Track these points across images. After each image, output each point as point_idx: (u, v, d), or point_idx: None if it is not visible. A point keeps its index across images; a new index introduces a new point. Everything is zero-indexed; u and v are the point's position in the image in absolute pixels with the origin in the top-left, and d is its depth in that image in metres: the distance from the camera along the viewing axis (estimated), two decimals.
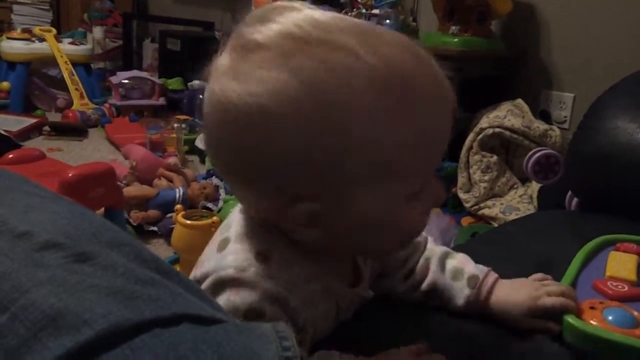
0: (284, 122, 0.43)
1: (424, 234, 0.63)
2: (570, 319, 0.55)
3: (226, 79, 0.46)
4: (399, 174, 0.46)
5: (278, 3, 0.47)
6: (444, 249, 0.64)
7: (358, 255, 0.58)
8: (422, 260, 0.63)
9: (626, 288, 0.61)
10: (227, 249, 0.50)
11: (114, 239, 0.40)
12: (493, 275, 0.61)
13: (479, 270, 0.61)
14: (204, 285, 0.49)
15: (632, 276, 0.64)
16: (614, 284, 0.61)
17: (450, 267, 0.62)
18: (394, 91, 0.44)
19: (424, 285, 0.62)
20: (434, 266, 0.62)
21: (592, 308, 0.56)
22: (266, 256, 0.49)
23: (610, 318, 0.54)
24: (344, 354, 0.48)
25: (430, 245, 0.65)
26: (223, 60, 0.47)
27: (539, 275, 0.61)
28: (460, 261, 0.63)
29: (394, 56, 0.45)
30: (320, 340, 0.54)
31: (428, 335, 0.57)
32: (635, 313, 0.55)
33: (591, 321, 0.54)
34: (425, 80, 0.46)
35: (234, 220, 0.53)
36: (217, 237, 0.53)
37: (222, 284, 0.48)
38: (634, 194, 0.92)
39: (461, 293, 0.60)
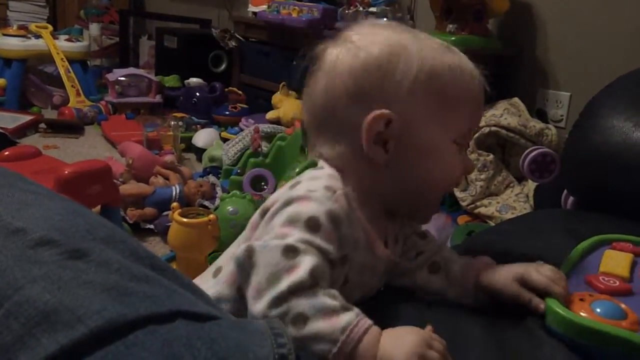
0: (382, 53, 0.58)
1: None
2: (556, 307, 0.56)
3: (331, 47, 0.60)
4: (456, 114, 0.60)
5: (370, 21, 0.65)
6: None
7: (398, 208, 0.64)
8: (429, 249, 0.69)
9: (617, 283, 0.62)
10: (298, 185, 0.58)
11: (109, 235, 0.40)
12: (488, 258, 0.66)
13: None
14: (272, 208, 0.55)
15: (625, 273, 0.65)
16: (606, 279, 0.63)
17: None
18: (456, 54, 0.62)
19: (432, 257, 0.67)
20: (442, 247, 0.69)
21: (581, 300, 0.58)
22: (332, 189, 0.56)
23: (598, 310, 0.55)
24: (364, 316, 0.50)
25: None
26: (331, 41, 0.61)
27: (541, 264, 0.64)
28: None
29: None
30: None
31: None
32: (624, 306, 0.56)
33: (579, 312, 0.55)
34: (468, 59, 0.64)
35: (306, 173, 0.61)
36: (288, 183, 0.60)
37: (290, 201, 0.54)
38: (629, 193, 0.93)
39: (460, 259, 0.66)
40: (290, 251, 0.49)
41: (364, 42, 0.59)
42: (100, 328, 0.33)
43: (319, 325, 0.45)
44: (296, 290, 0.46)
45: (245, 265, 0.49)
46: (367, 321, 0.47)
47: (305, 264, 0.48)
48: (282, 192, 0.58)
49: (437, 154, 0.59)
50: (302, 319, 0.44)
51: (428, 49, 0.59)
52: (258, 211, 0.60)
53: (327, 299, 0.47)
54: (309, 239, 0.51)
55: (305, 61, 0.62)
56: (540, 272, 0.60)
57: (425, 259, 0.67)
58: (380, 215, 0.63)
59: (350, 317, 0.46)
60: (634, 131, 0.94)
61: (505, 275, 0.61)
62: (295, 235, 0.51)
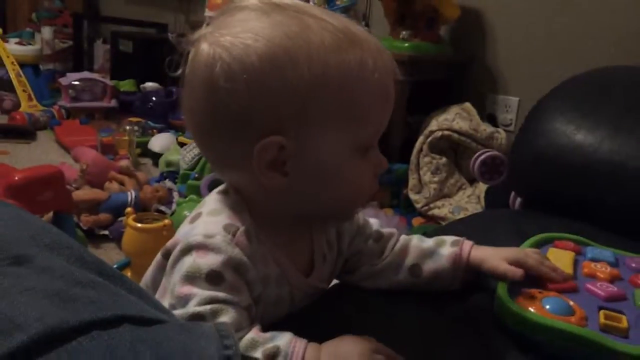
0: (266, 63, 0.49)
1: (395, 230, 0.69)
2: (510, 305, 0.58)
3: (214, 35, 0.51)
4: (355, 120, 0.52)
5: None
6: (418, 236, 0.69)
7: (316, 220, 0.60)
8: (399, 245, 0.67)
9: None
10: (198, 220, 0.54)
11: (54, 242, 0.39)
12: (470, 241, 0.67)
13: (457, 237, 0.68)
14: (173, 253, 0.52)
15: (569, 270, 0.67)
16: None
17: (431, 240, 0.68)
18: (356, 47, 0.51)
19: (409, 260, 0.66)
20: (414, 242, 0.67)
21: (531, 297, 0.60)
22: (233, 228, 0.52)
23: (548, 306, 0.58)
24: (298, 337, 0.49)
25: (404, 236, 0.69)
26: (207, 25, 0.53)
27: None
28: (437, 236, 0.68)
29: (349, 25, 0.52)
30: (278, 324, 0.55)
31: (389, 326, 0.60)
32: (571, 302, 0.59)
33: (530, 308, 0.58)
34: (379, 51, 0.53)
35: (209, 199, 0.57)
36: (191, 213, 0.57)
37: (189, 248, 0.50)
38: (571, 194, 0.96)
39: (446, 252, 0.65)
40: (198, 319, 0.46)
41: (236, 49, 0.49)
42: (41, 335, 0.32)
43: None
44: None
45: None
46: (300, 348, 0.47)
47: None
48: (183, 230, 0.54)
49: (341, 168, 0.53)
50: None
51: (318, 49, 0.49)
52: (161, 251, 0.56)
53: (248, 356, 0.45)
54: (213, 296, 0.47)
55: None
56: (532, 256, 0.64)
57: (393, 258, 0.66)
58: (299, 236, 0.59)
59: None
60: (576, 134, 0.97)
61: (494, 257, 0.63)
62: (197, 297, 0.47)
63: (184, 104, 0.55)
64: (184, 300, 0.48)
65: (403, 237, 0.68)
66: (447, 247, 0.66)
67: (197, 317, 0.47)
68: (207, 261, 0.49)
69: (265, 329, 0.50)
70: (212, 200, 0.57)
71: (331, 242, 0.64)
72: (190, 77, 0.53)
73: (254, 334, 0.47)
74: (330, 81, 0.50)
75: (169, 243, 0.54)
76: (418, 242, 0.67)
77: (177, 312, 0.47)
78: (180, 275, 0.49)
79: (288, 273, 0.57)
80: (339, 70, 0.50)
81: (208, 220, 0.53)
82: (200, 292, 0.48)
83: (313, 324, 0.57)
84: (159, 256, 0.56)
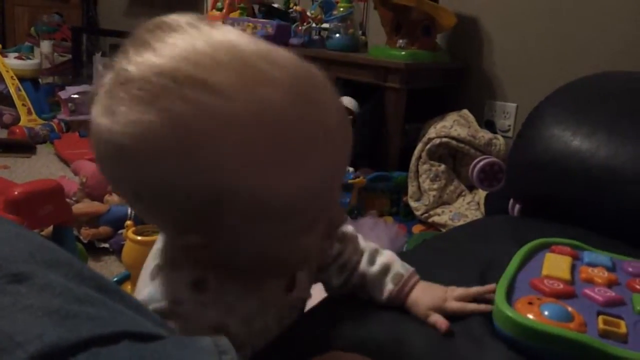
0: (152, 163, 0.42)
1: (350, 227, 0.67)
2: (508, 312, 0.58)
3: (99, 107, 0.44)
4: (285, 216, 0.46)
5: (163, 20, 0.46)
6: (373, 245, 0.68)
7: (270, 277, 0.57)
8: (354, 257, 0.66)
9: (561, 286, 0.64)
10: (159, 277, 0.50)
11: (53, 258, 0.39)
12: (415, 277, 0.65)
13: (404, 269, 0.65)
14: None
15: (567, 275, 0.67)
16: (550, 282, 0.65)
17: (380, 262, 0.66)
18: (272, 136, 0.42)
19: (355, 278, 0.65)
20: (364, 261, 0.66)
21: (530, 303, 0.59)
22: (200, 284, 0.49)
23: (546, 313, 0.57)
24: None
25: (362, 242, 0.68)
26: (104, 80, 0.45)
27: (454, 287, 0.65)
28: (388, 258, 0.66)
29: (273, 99, 0.42)
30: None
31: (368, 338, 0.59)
32: (570, 308, 0.58)
33: (529, 315, 0.57)
34: (309, 123, 0.44)
35: (163, 246, 0.53)
36: (150, 263, 0.53)
37: (161, 315, 0.47)
38: (568, 199, 0.96)
39: (385, 288, 0.64)
40: None
41: (116, 138, 0.42)
42: (41, 352, 0.32)
43: None
44: None
45: None
46: None
47: None
48: (145, 285, 0.50)
49: (274, 254, 0.49)
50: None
51: (207, 126, 0.41)
52: None
53: None
54: None
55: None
56: (457, 298, 0.63)
57: (349, 276, 0.65)
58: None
59: None
60: (572, 140, 0.97)
61: (422, 309, 0.62)
62: None
63: None
64: None
65: (359, 249, 0.67)
66: (388, 282, 0.64)
67: None
68: (182, 332, 0.46)
69: (256, 355, 0.49)
70: (170, 247, 0.52)
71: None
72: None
73: None
74: (236, 181, 0.43)
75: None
76: (367, 262, 0.65)
77: None
78: None
79: (268, 300, 0.56)
80: (249, 165, 0.42)
81: (171, 279, 0.49)
82: None
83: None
84: None
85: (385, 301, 0.64)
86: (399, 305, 0.64)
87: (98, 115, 0.43)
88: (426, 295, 0.63)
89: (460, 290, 0.64)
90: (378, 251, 0.67)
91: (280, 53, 0.44)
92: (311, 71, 0.46)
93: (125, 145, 0.42)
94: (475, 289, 0.64)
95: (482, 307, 0.62)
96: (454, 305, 0.62)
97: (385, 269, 0.65)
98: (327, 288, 0.66)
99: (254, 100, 0.41)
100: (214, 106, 0.40)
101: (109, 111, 0.42)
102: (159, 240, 0.55)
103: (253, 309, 0.53)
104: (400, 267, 0.65)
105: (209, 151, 0.41)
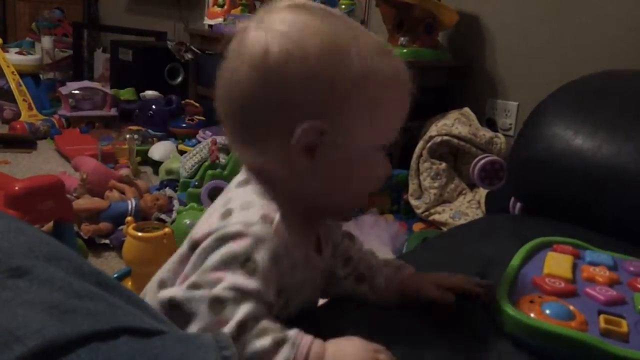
0: (321, 52, 0.51)
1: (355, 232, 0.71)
2: (510, 310, 0.58)
3: (265, 24, 0.53)
4: (382, 121, 0.56)
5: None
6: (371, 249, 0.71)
7: (319, 212, 0.61)
8: (359, 254, 0.69)
9: (563, 284, 0.64)
10: (231, 216, 0.53)
11: (53, 253, 0.39)
12: (411, 267, 0.68)
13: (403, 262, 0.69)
14: (205, 242, 0.51)
15: (569, 274, 0.67)
16: (552, 280, 0.65)
17: (380, 257, 0.70)
18: (392, 57, 0.56)
19: (359, 268, 0.67)
20: (367, 254, 0.69)
21: (531, 302, 0.59)
22: (270, 218, 0.52)
23: (548, 311, 0.57)
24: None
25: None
26: (249, 20, 0.55)
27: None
28: (387, 256, 0.71)
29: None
30: None
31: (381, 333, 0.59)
32: (571, 307, 0.59)
33: (530, 314, 0.57)
34: (403, 63, 0.57)
35: (233, 195, 0.56)
36: (217, 208, 0.55)
37: (225, 238, 0.50)
38: (570, 198, 0.96)
39: (385, 270, 0.67)
40: (218, 303, 0.46)
41: (294, 35, 0.52)
42: (40, 347, 0.32)
43: None
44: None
45: (173, 315, 0.47)
46: (305, 346, 0.47)
47: (233, 316, 0.46)
48: (214, 223, 0.53)
49: (364, 161, 0.56)
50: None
51: (365, 51, 0.53)
52: (186, 242, 0.55)
53: (257, 342, 0.45)
54: (241, 286, 0.47)
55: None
56: (453, 276, 0.65)
57: (353, 268, 0.67)
58: (310, 220, 0.61)
59: (286, 353, 0.45)
60: (574, 139, 0.98)
61: (424, 281, 0.64)
62: (226, 281, 0.47)
63: (221, 90, 0.56)
64: (212, 282, 0.47)
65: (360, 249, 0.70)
66: (389, 264, 0.68)
67: (217, 300, 0.46)
68: (245, 248, 0.49)
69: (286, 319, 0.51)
70: (239, 194, 0.56)
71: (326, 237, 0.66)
72: (235, 62, 0.54)
73: (266, 323, 0.47)
74: (372, 80, 0.53)
75: (198, 235, 0.53)
76: (368, 256, 0.69)
77: (199, 293, 0.47)
78: (215, 261, 0.49)
79: (309, 254, 0.59)
80: (381, 72, 0.54)
81: (243, 213, 0.53)
82: (230, 277, 0.47)
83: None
84: (184, 248, 0.55)
85: (384, 283, 0.66)
86: (398, 288, 0.65)
87: (255, 34, 0.53)
88: (429, 275, 0.66)
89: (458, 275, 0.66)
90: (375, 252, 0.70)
91: None
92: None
93: (294, 37, 0.52)
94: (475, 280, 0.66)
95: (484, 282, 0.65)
96: (455, 280, 0.64)
97: (386, 260, 0.69)
98: (332, 281, 0.67)
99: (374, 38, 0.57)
100: (353, 26, 0.56)
101: (266, 25, 0.53)
102: (225, 192, 0.59)
103: (298, 260, 0.56)
104: (397, 260, 0.69)
105: (351, 52, 0.53)
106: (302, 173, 0.55)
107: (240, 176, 0.58)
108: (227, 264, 0.48)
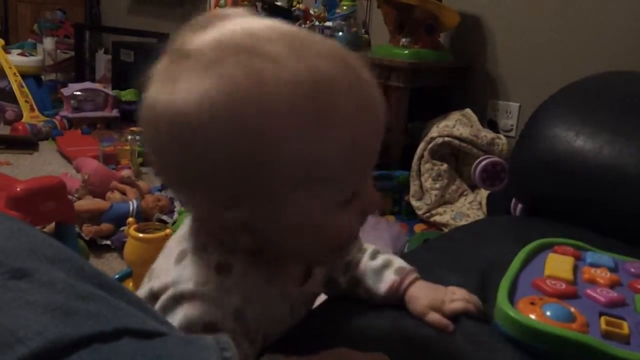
0: (205, 130, 0.43)
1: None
2: (510, 312, 0.58)
3: (157, 85, 0.46)
4: (325, 183, 0.47)
5: (218, 11, 0.49)
6: (374, 247, 0.68)
7: (297, 262, 0.58)
8: (358, 254, 0.66)
9: (564, 286, 0.64)
10: (185, 260, 0.51)
11: (54, 254, 0.39)
12: (415, 273, 0.65)
13: (405, 264, 0.66)
14: (162, 298, 0.49)
15: (570, 276, 0.67)
16: (553, 282, 0.65)
17: (381, 258, 0.66)
18: (318, 100, 0.44)
19: (357, 273, 0.65)
20: (366, 256, 0.66)
21: (532, 304, 0.59)
22: (225, 268, 0.49)
23: (548, 313, 0.57)
24: (289, 356, 0.49)
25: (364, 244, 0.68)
26: (158, 66, 0.48)
27: (454, 287, 0.65)
28: (389, 255, 0.67)
29: (321, 66, 0.45)
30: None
31: (379, 338, 0.59)
32: (572, 309, 0.58)
33: (531, 315, 0.57)
34: (352, 92, 0.46)
35: (190, 231, 0.54)
36: (173, 248, 0.53)
37: (181, 298, 0.48)
38: (571, 200, 0.96)
39: (387, 279, 0.64)
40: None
41: (184, 87, 0.44)
42: (42, 349, 0.32)
43: None
44: None
45: None
46: None
47: None
48: (168, 270, 0.51)
49: (314, 227, 0.49)
50: None
51: (270, 104, 0.43)
52: (146, 293, 0.52)
53: None
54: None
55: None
56: (454, 298, 0.62)
57: (351, 275, 0.65)
58: (284, 261, 0.56)
59: None
60: (576, 140, 0.97)
61: (419, 307, 0.62)
62: None
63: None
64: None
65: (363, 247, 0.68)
66: (390, 274, 0.64)
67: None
68: (201, 315, 0.47)
69: (268, 347, 0.50)
70: (195, 233, 0.53)
71: None
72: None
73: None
74: (283, 145, 0.44)
75: (156, 284, 0.50)
76: (368, 258, 0.66)
77: None
78: (177, 324, 0.47)
79: (286, 290, 0.56)
80: (296, 128, 0.44)
81: (196, 261, 0.50)
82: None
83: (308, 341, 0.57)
84: (144, 297, 0.52)
85: (384, 293, 0.63)
86: (397, 299, 0.63)
87: (156, 93, 0.46)
88: (426, 293, 0.63)
89: (459, 296, 0.63)
90: (379, 251, 0.68)
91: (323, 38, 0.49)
92: (347, 50, 0.49)
93: (185, 114, 0.44)
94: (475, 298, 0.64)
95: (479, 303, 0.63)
96: (452, 305, 0.62)
97: (387, 263, 0.65)
98: (332, 287, 0.66)
99: (306, 65, 0.44)
100: (267, 70, 0.43)
101: (168, 83, 0.45)
102: (182, 228, 0.55)
103: (271, 299, 0.54)
104: (401, 262, 0.66)
105: (262, 115, 0.43)
106: (243, 244, 0.51)
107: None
108: (188, 330, 0.47)
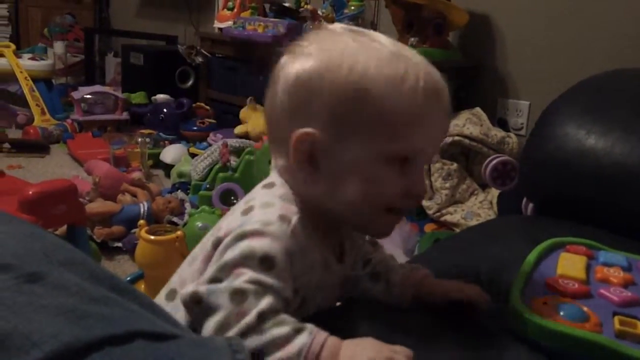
0: (313, 74, 0.54)
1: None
2: (524, 312, 0.57)
3: (291, 51, 0.57)
4: (381, 132, 0.54)
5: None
6: (381, 258, 0.70)
7: (346, 222, 0.61)
8: (377, 257, 0.69)
9: (577, 285, 0.64)
10: (252, 212, 0.55)
11: (67, 258, 0.40)
12: (426, 270, 0.67)
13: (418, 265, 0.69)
14: (225, 241, 0.52)
15: (582, 275, 0.66)
16: (565, 281, 0.64)
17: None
18: (401, 64, 0.54)
19: (376, 267, 0.68)
20: (387, 257, 0.70)
21: (545, 304, 0.59)
22: (287, 219, 0.54)
23: (562, 313, 0.57)
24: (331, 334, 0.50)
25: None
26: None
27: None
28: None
29: (404, 48, 0.57)
30: None
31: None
32: (585, 308, 0.58)
33: (544, 315, 0.57)
34: (425, 68, 0.56)
35: (257, 194, 0.59)
36: (240, 205, 0.58)
37: (244, 235, 0.51)
38: (582, 199, 0.95)
39: (400, 270, 0.67)
40: (239, 294, 0.48)
41: (303, 53, 0.56)
42: (56, 352, 0.32)
43: (275, 356, 0.45)
44: (246, 333, 0.46)
45: (195, 310, 0.49)
46: (322, 336, 0.47)
47: (254, 307, 0.47)
48: (235, 221, 0.55)
49: (361, 171, 0.55)
50: (258, 356, 0.45)
51: (368, 59, 0.54)
52: (210, 242, 0.57)
53: (275, 330, 0.46)
54: (261, 279, 0.49)
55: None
56: (466, 290, 0.63)
57: (372, 267, 0.68)
58: (334, 228, 0.61)
59: (303, 339, 0.46)
60: (587, 138, 0.97)
61: (441, 290, 0.64)
62: (246, 275, 0.49)
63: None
64: (232, 276, 0.49)
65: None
66: (406, 266, 0.68)
67: (240, 292, 0.48)
68: (262, 246, 0.51)
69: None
70: (262, 194, 0.58)
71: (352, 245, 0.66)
72: (273, 86, 0.59)
73: (284, 316, 0.48)
74: (366, 90, 0.53)
75: (221, 233, 0.55)
76: (386, 257, 0.70)
77: (221, 286, 0.49)
78: (233, 257, 0.50)
79: (328, 260, 0.59)
80: (379, 81, 0.53)
81: (262, 211, 0.55)
82: (250, 272, 0.49)
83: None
84: (208, 248, 0.57)
85: (399, 281, 0.65)
86: (411, 289, 0.65)
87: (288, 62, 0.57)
88: (441, 282, 0.66)
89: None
90: (379, 273, 0.69)
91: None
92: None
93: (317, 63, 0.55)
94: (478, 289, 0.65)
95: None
96: (465, 293, 0.63)
97: (402, 264, 0.69)
98: (350, 279, 0.67)
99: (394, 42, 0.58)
100: (371, 45, 0.56)
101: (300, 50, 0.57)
102: (252, 192, 0.60)
103: (316, 262, 0.57)
104: (413, 265, 0.69)
105: (360, 60, 0.54)
106: (304, 181, 0.56)
107: (267, 179, 0.60)
108: (244, 260, 0.50)
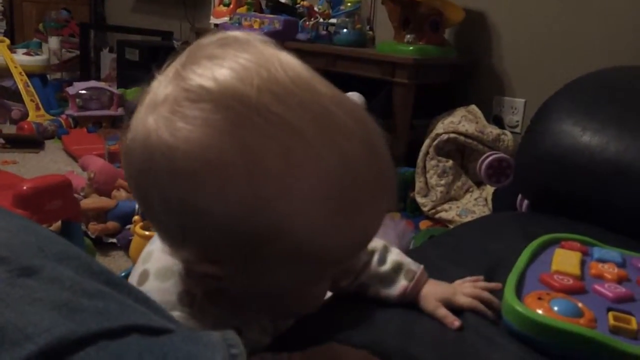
0: (213, 186, 0.41)
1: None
2: (518, 307, 0.57)
3: (157, 121, 0.43)
4: (319, 263, 0.46)
5: (236, 35, 0.46)
6: (382, 242, 0.67)
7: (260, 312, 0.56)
8: (362, 256, 0.65)
9: (571, 281, 0.64)
10: (145, 284, 0.50)
11: (62, 252, 0.39)
12: (425, 274, 0.65)
13: (415, 266, 0.65)
14: None
15: (577, 271, 0.67)
16: (560, 277, 0.64)
17: (390, 260, 0.65)
18: (339, 188, 0.43)
19: (364, 278, 0.65)
20: (375, 261, 0.65)
21: (539, 299, 0.59)
22: (189, 297, 0.49)
23: (556, 308, 0.57)
24: (278, 353, 0.49)
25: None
26: (164, 90, 0.45)
27: (468, 277, 0.66)
28: (398, 255, 0.66)
29: (349, 152, 0.43)
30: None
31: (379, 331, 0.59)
32: (580, 304, 0.58)
33: (538, 310, 0.57)
34: (374, 180, 0.45)
35: (155, 249, 0.52)
36: (138, 266, 0.52)
37: None
38: (577, 195, 0.96)
39: (399, 284, 0.64)
40: None
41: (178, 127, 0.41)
42: (50, 345, 0.32)
43: None
44: None
45: None
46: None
47: None
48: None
49: (290, 294, 0.50)
50: None
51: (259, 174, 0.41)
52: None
53: None
54: None
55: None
56: (465, 294, 0.63)
57: (360, 282, 0.65)
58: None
59: None
60: (582, 135, 0.97)
61: (431, 304, 0.62)
62: None
63: None
64: None
65: (369, 248, 0.66)
66: (402, 279, 0.64)
67: None
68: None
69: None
70: (160, 254, 0.51)
71: None
72: None
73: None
74: (298, 228, 0.43)
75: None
76: (376, 265, 0.65)
77: None
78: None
79: (250, 321, 0.54)
80: (317, 215, 0.43)
81: (158, 288, 0.49)
82: None
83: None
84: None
85: (396, 298, 0.63)
86: (410, 301, 0.63)
87: (157, 128, 0.42)
88: (436, 288, 0.64)
89: (469, 287, 0.64)
90: (387, 249, 0.67)
91: (345, 97, 0.45)
92: (370, 118, 0.46)
93: (189, 167, 0.41)
94: (483, 284, 0.65)
95: (492, 298, 0.63)
96: (462, 299, 0.62)
97: (397, 267, 0.65)
98: (339, 291, 0.66)
99: (332, 150, 0.42)
100: (293, 147, 0.41)
101: (173, 127, 0.42)
102: (152, 241, 0.54)
103: (252, 323, 0.53)
104: (411, 264, 0.66)
105: (276, 188, 0.41)
106: (211, 287, 0.50)
107: None
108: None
